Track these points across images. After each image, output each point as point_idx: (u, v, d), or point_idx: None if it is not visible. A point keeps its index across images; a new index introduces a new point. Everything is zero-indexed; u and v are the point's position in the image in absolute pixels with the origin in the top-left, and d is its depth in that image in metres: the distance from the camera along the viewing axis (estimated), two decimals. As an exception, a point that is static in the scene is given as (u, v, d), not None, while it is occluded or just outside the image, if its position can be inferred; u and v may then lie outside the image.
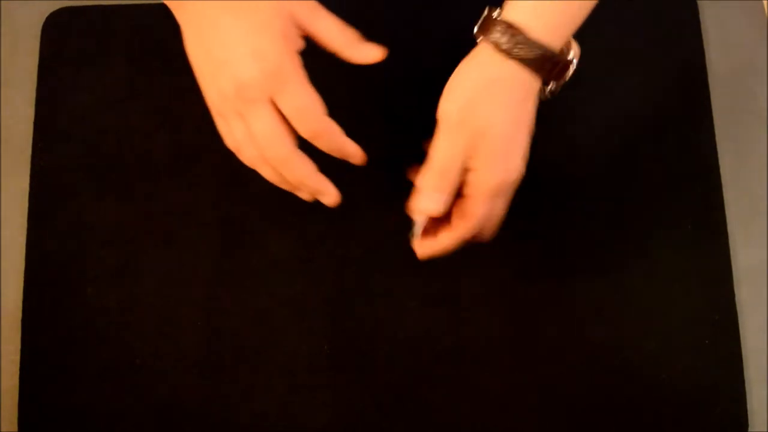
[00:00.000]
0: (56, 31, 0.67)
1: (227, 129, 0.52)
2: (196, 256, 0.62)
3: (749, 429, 0.59)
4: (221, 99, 0.50)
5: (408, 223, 0.59)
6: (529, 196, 0.63)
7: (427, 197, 0.52)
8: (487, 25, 0.49)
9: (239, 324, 0.61)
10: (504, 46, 0.48)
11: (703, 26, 0.66)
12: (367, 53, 0.52)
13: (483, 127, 0.49)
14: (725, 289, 0.61)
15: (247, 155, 0.52)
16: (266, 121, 0.49)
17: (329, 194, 0.53)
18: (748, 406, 0.59)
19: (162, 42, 0.66)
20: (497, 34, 0.48)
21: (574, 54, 0.51)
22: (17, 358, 0.61)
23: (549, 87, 0.51)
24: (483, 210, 0.51)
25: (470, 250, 0.62)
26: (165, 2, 0.51)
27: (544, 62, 0.49)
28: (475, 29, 0.51)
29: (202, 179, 0.64)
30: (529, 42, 0.48)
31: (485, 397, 0.59)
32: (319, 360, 0.60)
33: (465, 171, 0.51)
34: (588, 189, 0.63)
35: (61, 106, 0.65)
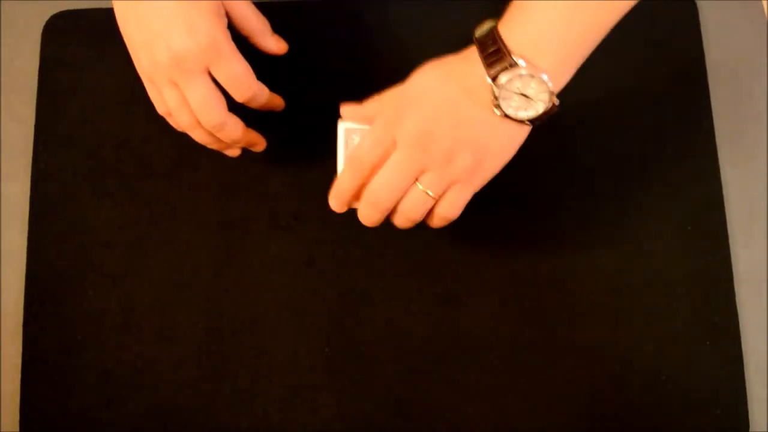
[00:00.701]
0: (57, 34, 0.67)
1: (158, 95, 0.55)
2: (197, 259, 0.62)
3: (750, 430, 0.59)
4: (154, 66, 0.52)
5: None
6: (529, 197, 0.63)
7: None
8: (483, 44, 0.48)
9: (240, 326, 0.61)
10: (509, 111, 0.48)
11: (702, 27, 0.66)
12: (274, 44, 0.59)
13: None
14: (725, 290, 0.61)
15: (180, 120, 0.55)
16: (203, 90, 0.53)
17: (260, 143, 0.60)
18: (749, 407, 0.59)
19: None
20: (498, 58, 0.47)
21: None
22: (19, 360, 0.61)
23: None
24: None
25: (471, 251, 0.62)
26: None
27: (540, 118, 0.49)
28: (477, 32, 0.50)
29: (203, 182, 0.64)
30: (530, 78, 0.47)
31: (486, 398, 0.59)
32: (320, 362, 0.60)
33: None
34: (587, 190, 0.63)
35: (62, 110, 0.65)
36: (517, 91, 0.47)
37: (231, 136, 0.56)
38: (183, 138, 0.64)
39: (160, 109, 0.57)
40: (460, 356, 0.60)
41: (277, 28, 0.60)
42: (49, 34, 0.67)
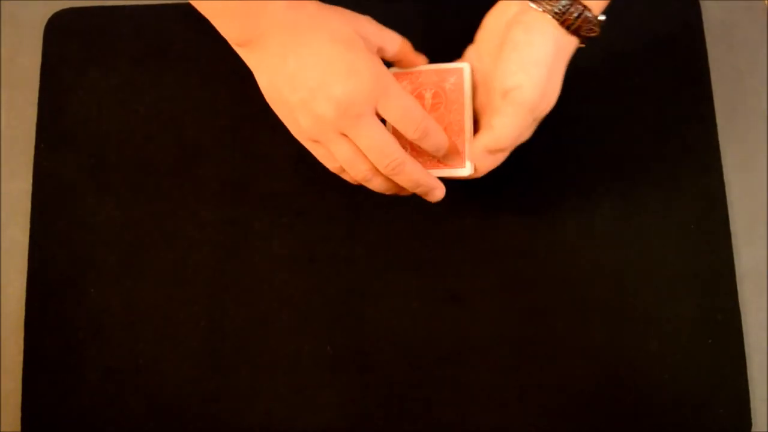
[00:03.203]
0: (59, 32, 0.67)
1: (326, 153, 0.52)
2: (199, 257, 0.62)
3: (752, 428, 0.59)
4: (318, 125, 0.49)
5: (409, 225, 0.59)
6: (532, 196, 0.63)
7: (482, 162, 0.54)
8: None
9: (242, 325, 0.61)
10: (573, 26, 0.49)
11: (706, 26, 0.66)
12: (419, 59, 0.55)
13: (553, 99, 0.51)
14: (728, 289, 0.61)
15: (357, 172, 0.52)
16: (376, 131, 0.49)
17: (440, 189, 0.54)
18: (752, 406, 0.59)
19: (165, 43, 0.66)
20: (564, 7, 0.49)
21: (595, 10, 0.50)
22: (20, 358, 0.61)
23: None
24: (516, 121, 0.52)
25: (473, 250, 0.62)
26: (238, 51, 0.51)
27: (572, 20, 0.49)
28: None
29: (205, 180, 0.64)
30: (594, 21, 0.50)
31: (488, 397, 0.59)
32: (322, 360, 0.60)
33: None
34: (591, 188, 0.63)
35: (64, 108, 0.65)
36: None
37: (411, 177, 0.51)
38: (185, 136, 0.65)
39: (332, 166, 0.53)
40: (463, 355, 0.60)
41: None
42: (51, 32, 0.67)
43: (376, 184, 0.53)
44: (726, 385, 0.59)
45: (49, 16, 0.67)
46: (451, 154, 0.54)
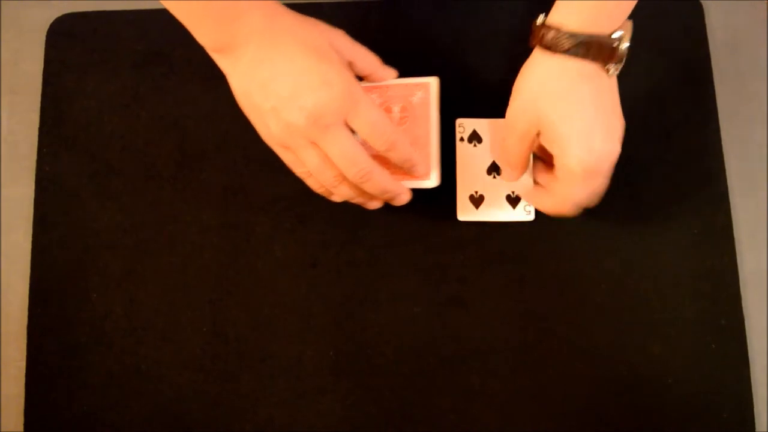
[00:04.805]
0: (61, 37, 0.67)
1: (295, 159, 0.53)
2: (201, 261, 0.62)
3: (756, 432, 0.59)
4: (288, 132, 0.51)
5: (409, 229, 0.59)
6: (534, 200, 0.63)
7: (504, 172, 0.60)
8: (534, 32, 0.53)
9: (244, 329, 0.61)
10: (548, 44, 0.52)
11: (708, 28, 0.66)
12: (389, 74, 0.57)
13: (540, 119, 0.52)
14: (731, 293, 0.61)
15: (323, 179, 0.53)
16: (344, 142, 0.51)
17: (405, 194, 0.56)
18: (755, 410, 0.59)
19: (167, 48, 0.66)
20: (542, 36, 0.52)
21: (622, 32, 0.53)
22: (23, 363, 0.61)
23: (609, 69, 0.53)
24: (572, 191, 0.54)
25: (475, 254, 0.62)
26: (212, 56, 0.52)
27: (582, 49, 0.51)
28: (530, 41, 0.54)
29: (207, 185, 0.64)
30: (561, 34, 0.51)
31: (491, 402, 0.59)
32: (325, 365, 0.60)
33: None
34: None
35: (66, 113, 0.65)
36: None
37: (378, 185, 0.53)
38: (187, 140, 0.65)
39: (299, 172, 0.55)
40: (465, 359, 0.60)
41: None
42: (53, 37, 0.67)
43: (341, 192, 0.55)
44: (729, 389, 0.59)
45: (51, 21, 0.67)
46: (417, 166, 0.56)
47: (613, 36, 0.52)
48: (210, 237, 0.63)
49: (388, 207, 0.58)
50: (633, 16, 0.67)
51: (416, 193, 0.58)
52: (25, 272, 0.63)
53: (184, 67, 0.66)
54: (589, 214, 0.62)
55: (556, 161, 0.53)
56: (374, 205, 0.58)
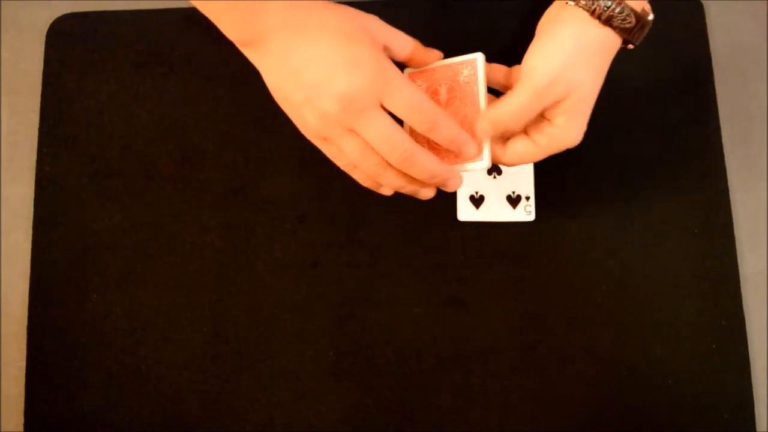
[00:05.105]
0: (61, 37, 0.67)
1: (336, 151, 0.51)
2: (201, 262, 0.62)
3: (757, 433, 0.59)
4: (324, 122, 0.49)
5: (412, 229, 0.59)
6: (534, 200, 0.63)
7: (483, 128, 0.52)
8: None
9: (244, 330, 0.61)
10: (604, 15, 0.49)
11: (709, 28, 0.66)
12: (430, 55, 0.54)
13: (571, 89, 0.50)
14: (732, 293, 0.61)
15: (368, 167, 0.51)
16: (383, 124, 0.48)
17: (456, 177, 0.52)
18: (755, 410, 0.59)
19: (167, 48, 0.66)
20: (602, 7, 0.49)
21: (651, 14, 0.52)
22: (23, 363, 0.61)
23: (629, 45, 0.52)
24: (547, 153, 0.52)
25: (476, 255, 0.62)
26: (242, 51, 0.51)
27: (635, 28, 0.50)
28: None
29: (207, 185, 0.64)
30: (627, 10, 0.49)
31: (491, 403, 0.59)
32: (325, 365, 0.60)
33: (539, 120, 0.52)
34: (594, 193, 0.63)
35: (66, 113, 0.65)
36: None
37: (424, 167, 0.50)
38: (187, 140, 0.65)
39: (343, 164, 0.52)
40: (466, 359, 0.60)
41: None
42: (53, 37, 0.67)
43: (389, 179, 0.51)
44: (730, 389, 0.59)
45: (51, 21, 0.67)
46: (467, 146, 0.52)
47: (650, 17, 0.51)
48: (210, 237, 0.63)
49: (387, 207, 0.58)
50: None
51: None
52: (25, 272, 0.63)
53: (184, 67, 0.66)
54: (589, 214, 0.63)
55: (548, 129, 0.51)
56: (426, 193, 0.53)
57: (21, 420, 0.60)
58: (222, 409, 0.60)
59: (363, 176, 0.52)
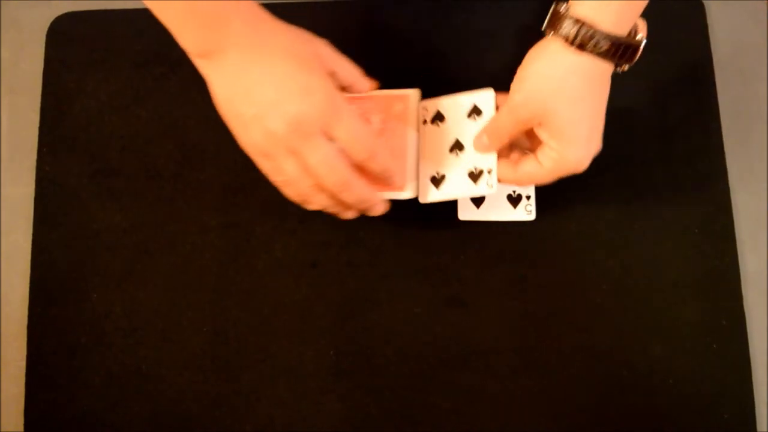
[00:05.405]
0: (61, 36, 0.67)
1: (273, 167, 0.53)
2: (202, 261, 0.62)
3: (757, 433, 0.59)
4: (269, 140, 0.50)
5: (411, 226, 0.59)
6: (535, 200, 0.63)
7: (480, 142, 0.57)
8: (556, 20, 0.52)
9: (245, 329, 0.61)
10: (576, 41, 0.51)
11: (710, 28, 0.66)
12: (368, 85, 0.57)
13: (547, 110, 0.52)
14: (733, 294, 0.61)
15: (301, 188, 0.53)
16: (325, 150, 0.50)
17: (382, 204, 0.56)
18: (756, 410, 0.59)
19: (167, 47, 0.65)
20: (567, 29, 0.51)
21: (642, 34, 0.53)
22: (23, 363, 0.61)
23: (621, 68, 0.53)
24: (551, 177, 0.55)
25: (476, 255, 0.62)
26: (195, 61, 0.52)
27: (615, 51, 0.51)
28: (545, 24, 0.53)
29: (207, 185, 0.64)
30: (599, 35, 0.51)
31: (492, 403, 0.59)
32: (325, 365, 0.60)
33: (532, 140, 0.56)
34: (594, 193, 0.63)
35: (66, 112, 0.65)
36: None
37: (356, 194, 0.53)
38: (187, 140, 0.65)
39: (277, 180, 0.54)
40: (466, 359, 0.60)
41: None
42: (53, 37, 0.67)
43: (318, 201, 0.54)
44: (730, 389, 0.59)
45: (51, 20, 0.67)
46: (394, 177, 0.56)
47: (638, 38, 0.52)
48: (210, 237, 0.63)
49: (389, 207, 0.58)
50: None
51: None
52: (25, 272, 0.63)
53: (184, 67, 0.65)
54: (589, 214, 0.62)
55: (548, 151, 0.54)
56: (349, 215, 0.57)
57: (21, 420, 0.60)
58: (222, 409, 0.60)
59: (294, 193, 0.55)
